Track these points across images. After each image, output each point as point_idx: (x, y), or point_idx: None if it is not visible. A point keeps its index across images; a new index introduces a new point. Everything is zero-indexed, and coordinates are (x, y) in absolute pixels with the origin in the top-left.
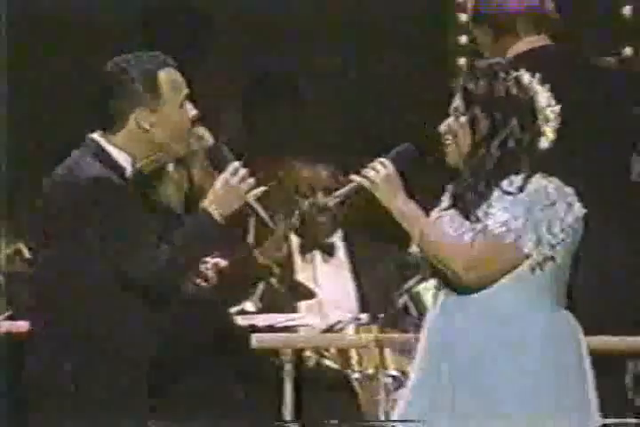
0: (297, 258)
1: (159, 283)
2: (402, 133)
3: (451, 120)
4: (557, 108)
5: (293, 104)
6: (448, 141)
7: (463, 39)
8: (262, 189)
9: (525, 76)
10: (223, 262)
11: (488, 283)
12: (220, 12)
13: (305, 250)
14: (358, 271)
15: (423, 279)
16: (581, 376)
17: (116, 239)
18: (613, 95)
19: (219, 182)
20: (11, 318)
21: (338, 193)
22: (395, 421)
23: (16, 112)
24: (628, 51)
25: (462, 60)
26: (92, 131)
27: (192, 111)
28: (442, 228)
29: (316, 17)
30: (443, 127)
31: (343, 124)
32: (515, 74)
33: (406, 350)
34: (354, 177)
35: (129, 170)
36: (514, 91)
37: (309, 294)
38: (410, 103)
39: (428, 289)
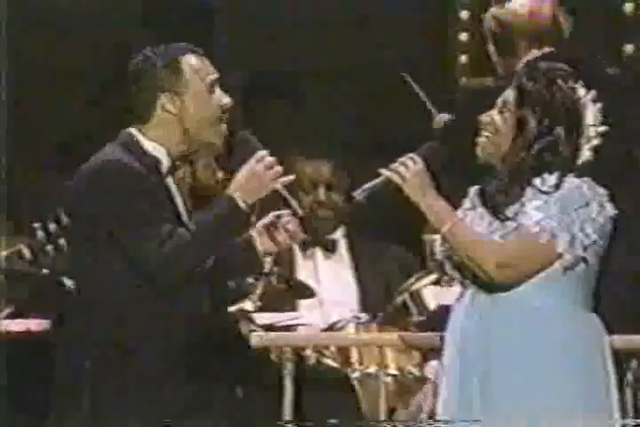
0: (298, 254)
1: (172, 268)
2: (402, 133)
3: (495, 113)
4: (602, 129)
5: (293, 104)
6: (486, 133)
7: (463, 37)
8: (291, 177)
9: (581, 90)
10: (300, 211)
11: (518, 282)
12: (220, 12)
13: (306, 246)
14: (360, 269)
15: (424, 277)
16: (605, 377)
17: (128, 222)
18: (615, 97)
19: (244, 170)
20: (10, 317)
21: (366, 186)
22: (395, 421)
23: (16, 112)
24: (628, 48)
25: (463, 58)
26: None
27: (224, 99)
28: (472, 225)
29: (316, 17)
30: (484, 118)
31: (343, 124)
32: (572, 85)
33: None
34: (383, 171)
35: (165, 162)
36: (567, 101)
37: (309, 293)
38: (410, 103)
39: (428, 287)
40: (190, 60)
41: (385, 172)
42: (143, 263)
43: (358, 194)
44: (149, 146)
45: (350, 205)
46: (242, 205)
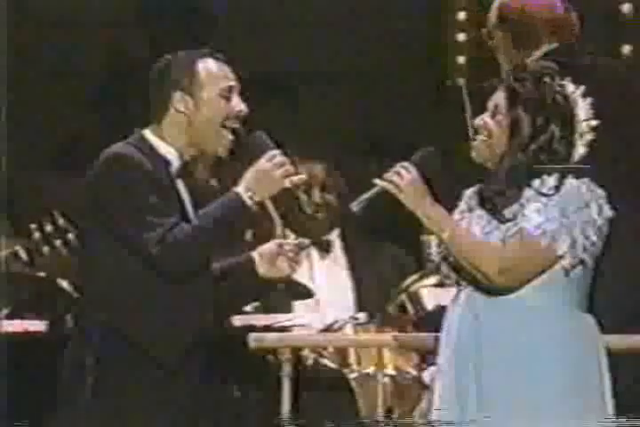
0: None
1: (172, 258)
2: (401, 133)
3: (487, 116)
4: (594, 122)
5: (293, 104)
6: (480, 136)
7: (461, 37)
8: (302, 176)
9: (570, 86)
10: (307, 241)
11: (519, 285)
12: (220, 12)
13: None
14: (356, 269)
15: (421, 278)
16: (600, 377)
17: (129, 212)
18: (626, 93)
19: (254, 168)
20: (8, 317)
21: (362, 198)
22: (394, 421)
23: (16, 113)
24: (626, 48)
25: (461, 59)
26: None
27: (238, 106)
28: (470, 229)
29: (316, 17)
30: (478, 122)
31: (343, 124)
32: (560, 82)
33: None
34: (378, 181)
35: (175, 163)
36: (558, 98)
37: (306, 293)
38: (409, 103)
39: (425, 288)
40: (207, 64)
41: (379, 182)
42: (143, 252)
43: (354, 206)
44: (161, 146)
45: (345, 209)
46: (247, 201)
